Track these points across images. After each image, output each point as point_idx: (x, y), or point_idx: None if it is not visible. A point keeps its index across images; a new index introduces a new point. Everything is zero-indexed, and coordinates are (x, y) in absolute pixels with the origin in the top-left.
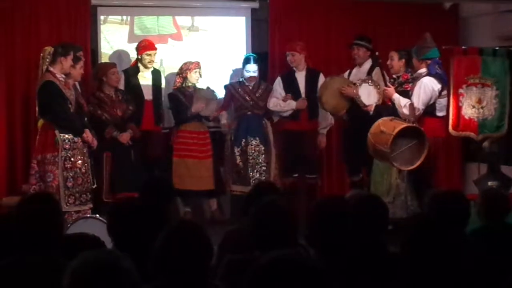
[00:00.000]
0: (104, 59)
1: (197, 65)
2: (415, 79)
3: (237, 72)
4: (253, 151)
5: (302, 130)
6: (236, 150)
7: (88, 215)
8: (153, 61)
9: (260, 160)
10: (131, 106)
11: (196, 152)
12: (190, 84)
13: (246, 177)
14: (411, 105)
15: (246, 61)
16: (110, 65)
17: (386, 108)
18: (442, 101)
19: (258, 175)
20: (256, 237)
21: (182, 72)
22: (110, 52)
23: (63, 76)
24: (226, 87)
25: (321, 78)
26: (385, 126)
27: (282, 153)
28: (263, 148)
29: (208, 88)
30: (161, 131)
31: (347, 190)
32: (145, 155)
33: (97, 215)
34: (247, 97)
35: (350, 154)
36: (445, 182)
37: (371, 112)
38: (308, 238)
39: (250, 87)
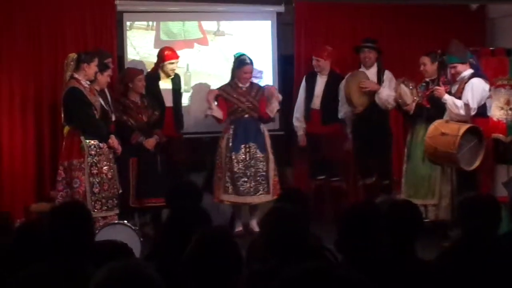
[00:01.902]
0: (131, 65)
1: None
2: (460, 81)
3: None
4: (252, 158)
5: (316, 133)
6: (234, 157)
7: (116, 221)
8: (175, 69)
9: (259, 169)
10: (157, 112)
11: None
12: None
13: (244, 186)
14: (467, 105)
15: (242, 62)
16: (137, 72)
17: (426, 109)
18: (488, 102)
19: (258, 185)
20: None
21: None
22: (137, 58)
23: (87, 82)
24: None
25: (343, 83)
26: (445, 128)
27: (307, 155)
28: (261, 155)
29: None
30: (182, 136)
31: (365, 194)
32: (170, 161)
33: (125, 221)
34: (242, 99)
35: (362, 156)
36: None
37: (411, 112)
38: (338, 243)
39: (244, 89)
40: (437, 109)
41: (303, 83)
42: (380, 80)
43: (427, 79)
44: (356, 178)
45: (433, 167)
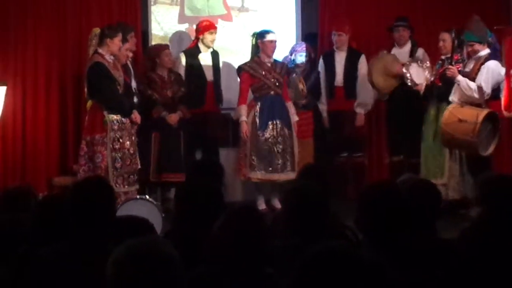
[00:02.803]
0: (155, 40)
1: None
2: (476, 60)
3: (287, 58)
4: (279, 135)
5: (339, 110)
6: (261, 134)
7: (138, 196)
8: (214, 40)
9: (286, 145)
10: (183, 88)
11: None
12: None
13: (271, 163)
14: (480, 88)
15: (265, 31)
16: (163, 47)
17: (437, 87)
18: (502, 84)
19: (285, 161)
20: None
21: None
22: (161, 33)
23: (111, 57)
24: (241, 68)
25: (363, 60)
26: (461, 113)
27: (327, 132)
28: (287, 132)
29: (296, 74)
30: (220, 112)
31: (390, 172)
32: (206, 135)
33: (147, 196)
34: (268, 75)
35: (393, 135)
36: (496, 165)
37: (421, 92)
38: (358, 222)
39: (269, 65)
40: (448, 87)
41: (321, 64)
42: (412, 57)
43: (443, 57)
44: (383, 155)
45: (442, 147)
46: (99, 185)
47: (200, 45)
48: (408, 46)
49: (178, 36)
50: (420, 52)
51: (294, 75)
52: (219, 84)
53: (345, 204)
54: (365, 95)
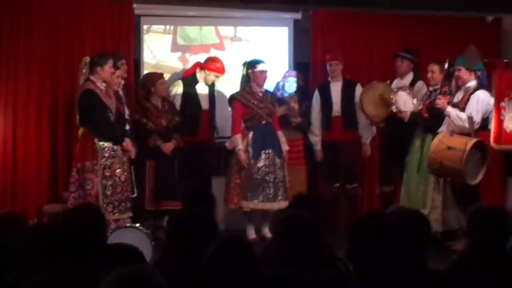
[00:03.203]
0: (147, 68)
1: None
2: (465, 91)
3: (278, 87)
4: (271, 164)
5: (337, 140)
6: (254, 163)
7: (128, 224)
8: (215, 82)
9: (278, 175)
10: (177, 117)
11: (287, 159)
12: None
13: (264, 193)
14: (470, 118)
15: (255, 61)
16: (158, 75)
17: (422, 117)
18: (491, 115)
19: (277, 191)
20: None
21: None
22: (154, 61)
23: (104, 84)
24: (232, 98)
25: (358, 89)
26: (450, 142)
27: (323, 163)
28: (279, 161)
29: (293, 93)
30: (214, 141)
31: (381, 202)
32: (199, 164)
33: (137, 225)
34: (260, 105)
35: (386, 164)
36: (485, 196)
37: (406, 119)
38: (349, 252)
39: (261, 94)
40: (435, 119)
41: (317, 96)
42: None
43: (431, 88)
44: (374, 185)
45: (427, 178)
46: (91, 212)
47: (199, 75)
48: (409, 77)
49: (177, 74)
50: (419, 84)
51: (287, 94)
52: (214, 113)
53: (336, 233)
54: (368, 125)
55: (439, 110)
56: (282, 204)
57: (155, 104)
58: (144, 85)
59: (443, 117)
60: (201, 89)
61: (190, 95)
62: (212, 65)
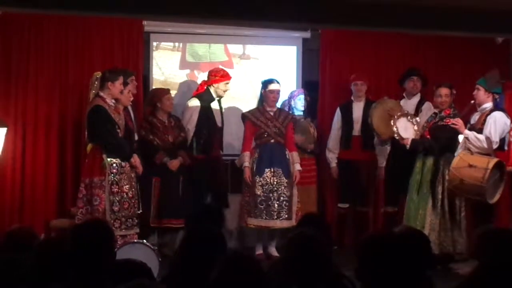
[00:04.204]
0: (156, 85)
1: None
2: (481, 112)
3: (284, 104)
4: (276, 183)
5: (354, 159)
6: (258, 180)
7: (136, 240)
8: (228, 90)
9: (283, 194)
10: (183, 133)
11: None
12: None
13: (267, 210)
14: (488, 138)
15: (268, 81)
16: (165, 91)
17: (422, 142)
18: (507, 136)
19: (281, 209)
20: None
21: None
22: (162, 78)
23: (113, 101)
24: (244, 116)
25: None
26: (472, 160)
27: (337, 181)
28: (285, 180)
29: (305, 118)
30: (221, 158)
31: (386, 222)
32: (216, 181)
33: (144, 241)
34: (269, 124)
35: (390, 184)
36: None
37: (408, 146)
38: (357, 271)
39: (272, 113)
40: (436, 141)
41: (338, 113)
42: (418, 110)
43: (436, 110)
44: (379, 205)
45: (426, 200)
46: (100, 228)
47: (213, 92)
48: (416, 98)
49: (187, 85)
50: (427, 106)
51: (302, 119)
52: (222, 130)
53: (343, 252)
54: (384, 148)
55: (443, 132)
56: (284, 223)
57: (162, 120)
58: (151, 101)
59: (445, 141)
60: (215, 106)
61: (206, 112)
62: (217, 76)
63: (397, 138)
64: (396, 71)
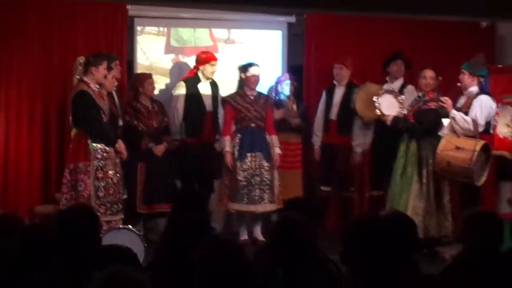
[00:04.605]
0: (140, 69)
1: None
2: (467, 96)
3: (272, 88)
4: (257, 167)
5: (332, 143)
6: (239, 165)
7: (121, 226)
8: (215, 71)
9: (264, 178)
10: (166, 118)
11: (283, 162)
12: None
13: (249, 195)
14: (474, 121)
15: (248, 64)
16: (147, 75)
17: (405, 121)
18: (493, 119)
19: (263, 193)
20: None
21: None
22: (146, 63)
23: (97, 86)
24: (224, 100)
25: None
26: (459, 142)
27: (320, 164)
28: (266, 164)
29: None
30: (216, 142)
31: (372, 206)
32: (204, 166)
33: (130, 226)
34: (250, 108)
35: (376, 169)
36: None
37: (388, 123)
38: (343, 255)
39: (252, 98)
40: (419, 125)
41: (323, 98)
42: (400, 93)
43: (420, 94)
44: (365, 189)
45: (410, 185)
46: (86, 213)
47: (200, 75)
48: (399, 82)
49: (178, 67)
50: (410, 89)
51: (284, 97)
52: (217, 114)
53: (326, 238)
54: (364, 133)
55: (426, 116)
56: (267, 207)
57: (145, 105)
58: (133, 86)
59: (429, 124)
60: (205, 90)
61: (193, 96)
62: (201, 58)
63: (378, 114)
64: (381, 55)
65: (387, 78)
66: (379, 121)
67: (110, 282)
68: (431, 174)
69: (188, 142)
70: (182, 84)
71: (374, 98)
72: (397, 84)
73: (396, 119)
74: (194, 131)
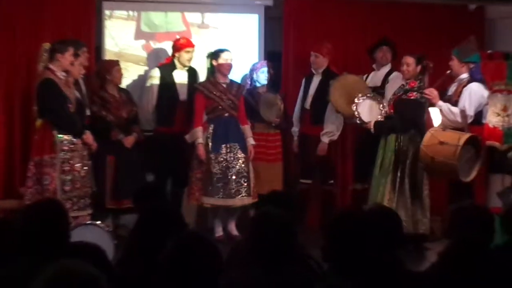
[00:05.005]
0: (109, 56)
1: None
2: (458, 83)
3: (246, 77)
4: (232, 159)
5: (305, 134)
6: (214, 157)
7: (89, 222)
8: (191, 58)
9: (241, 169)
10: (135, 107)
11: (263, 154)
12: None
13: (225, 188)
14: (463, 111)
15: (219, 50)
16: (114, 62)
17: (386, 123)
18: (484, 108)
19: (239, 186)
20: (254, 252)
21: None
22: (116, 49)
23: (63, 73)
24: (195, 89)
25: None
26: (443, 136)
27: (296, 157)
28: (242, 155)
29: (274, 93)
30: None
31: (354, 199)
32: (177, 158)
33: (98, 222)
34: (223, 96)
35: (360, 161)
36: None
37: (372, 129)
38: (324, 252)
39: (224, 86)
40: (400, 117)
41: (302, 85)
42: (385, 81)
43: (404, 82)
44: (346, 182)
45: (386, 178)
46: (53, 208)
47: (176, 63)
48: (386, 69)
49: (156, 53)
50: (395, 75)
51: (268, 93)
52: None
53: (308, 233)
54: (333, 123)
55: (406, 107)
56: (245, 200)
57: (113, 94)
58: (99, 74)
59: (409, 116)
60: (180, 78)
61: (167, 84)
62: (177, 45)
63: (359, 122)
64: (364, 40)
65: (374, 66)
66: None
67: (57, 277)
68: (408, 167)
69: (159, 131)
70: (156, 71)
71: (353, 107)
72: (383, 72)
73: (377, 124)
74: (165, 120)
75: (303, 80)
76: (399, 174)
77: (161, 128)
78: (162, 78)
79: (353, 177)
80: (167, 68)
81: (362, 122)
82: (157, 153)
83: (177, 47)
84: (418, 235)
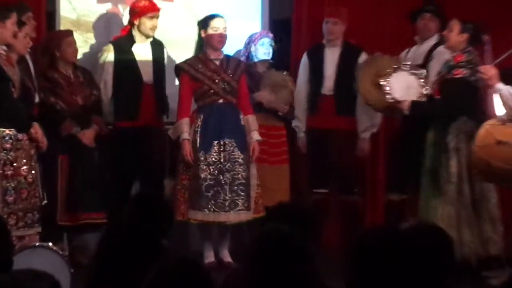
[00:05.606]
0: (65, 25)
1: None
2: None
3: (240, 53)
4: (228, 160)
5: (325, 128)
6: (203, 158)
7: (37, 244)
8: (156, 27)
9: (238, 175)
10: (96, 91)
11: (264, 154)
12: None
13: (216, 199)
14: None
15: (209, 16)
16: (65, 33)
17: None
18: None
19: (236, 196)
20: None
21: None
22: (73, 15)
23: (4, 47)
24: (179, 68)
25: (363, 59)
26: (502, 134)
27: (307, 159)
28: (241, 156)
29: (282, 72)
30: (163, 126)
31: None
32: (145, 159)
33: (50, 244)
34: (215, 77)
35: (396, 166)
36: None
37: (406, 111)
38: (348, 282)
39: (217, 62)
40: (445, 102)
41: (305, 62)
42: (428, 58)
43: (449, 56)
44: (377, 191)
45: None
46: None
47: (135, 34)
48: (430, 42)
49: (105, 20)
50: (440, 50)
51: (274, 70)
52: (162, 87)
53: (323, 256)
54: (370, 111)
55: (451, 89)
56: (242, 215)
57: (65, 75)
58: (46, 49)
59: (455, 101)
60: (142, 54)
61: (124, 63)
62: (137, 8)
63: (391, 101)
64: (403, 8)
65: (416, 38)
66: (394, 108)
67: None
68: (464, 170)
69: (119, 127)
70: (110, 47)
71: (381, 81)
72: (426, 47)
73: (416, 105)
74: (126, 111)
75: (305, 56)
76: (454, 180)
77: (122, 123)
78: (117, 55)
79: (385, 185)
80: (124, 41)
81: (395, 100)
82: (118, 154)
83: (136, 12)
84: (490, 257)
